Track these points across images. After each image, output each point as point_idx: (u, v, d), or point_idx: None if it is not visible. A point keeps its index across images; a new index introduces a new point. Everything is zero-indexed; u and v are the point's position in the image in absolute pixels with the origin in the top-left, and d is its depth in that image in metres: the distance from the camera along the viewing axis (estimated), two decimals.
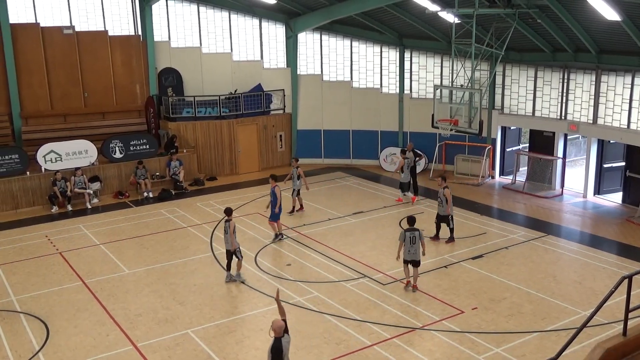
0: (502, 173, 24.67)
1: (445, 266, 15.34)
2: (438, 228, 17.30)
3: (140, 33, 25.92)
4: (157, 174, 23.49)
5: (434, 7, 20.44)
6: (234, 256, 14.53)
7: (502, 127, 24.30)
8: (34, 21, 23.89)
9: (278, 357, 8.72)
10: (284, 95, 27.26)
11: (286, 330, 8.95)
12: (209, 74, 26.98)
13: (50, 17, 24.28)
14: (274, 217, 17.42)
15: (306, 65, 27.64)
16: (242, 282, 14.52)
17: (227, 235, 14.41)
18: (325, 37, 27.19)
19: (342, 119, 27.27)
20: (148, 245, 17.37)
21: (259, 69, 27.61)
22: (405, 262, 14.01)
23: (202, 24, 26.92)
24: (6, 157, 21.26)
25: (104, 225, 19.45)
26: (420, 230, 14.08)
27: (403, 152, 22.07)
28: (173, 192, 22.82)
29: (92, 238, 18.16)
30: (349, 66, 27.15)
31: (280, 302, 9.69)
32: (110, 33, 25.35)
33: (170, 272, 15.42)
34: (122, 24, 25.75)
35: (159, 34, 26.20)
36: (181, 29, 26.69)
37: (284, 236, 17.66)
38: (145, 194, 22.51)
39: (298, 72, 27.51)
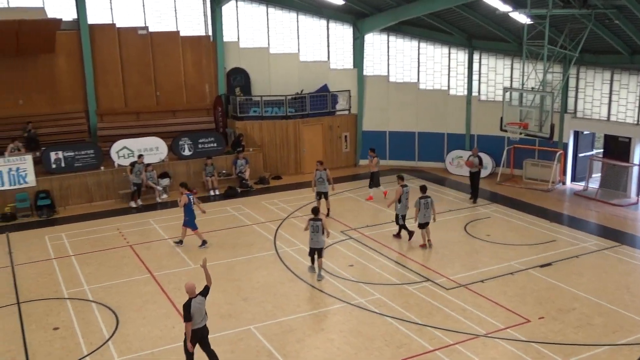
0: (573, 179, 23.85)
1: (511, 273, 14.96)
2: (403, 227, 17.45)
3: (210, 33, 26.54)
4: (224, 171, 23.97)
5: (505, 8, 19.99)
6: (316, 254, 14.80)
7: (574, 131, 23.50)
8: (111, 22, 24.85)
9: (187, 313, 10.13)
10: (350, 96, 27.28)
11: (204, 294, 10.43)
12: (276, 74, 27.33)
13: (126, 18, 25.18)
14: (193, 225, 17.19)
15: (373, 66, 27.57)
16: (320, 280, 14.71)
17: (319, 234, 14.54)
18: (392, 38, 27.04)
19: (408, 120, 27.04)
20: (213, 242, 17.72)
21: (326, 70, 27.74)
22: (421, 225, 16.54)
23: (271, 24, 27.29)
24: (82, 152, 22.19)
25: (172, 220, 19.98)
26: (431, 197, 16.72)
27: (372, 150, 22.08)
28: (239, 190, 23.24)
29: (160, 232, 18.71)
30: (416, 67, 26.89)
31: (207, 269, 10.83)
32: (182, 34, 26.07)
33: (234, 268, 15.69)
34: (193, 24, 26.43)
35: (228, 34, 26.74)
36: (250, 30, 27.15)
37: (181, 243, 17.40)
38: (212, 191, 23.01)
39: (364, 73, 27.48)
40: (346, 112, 27.35)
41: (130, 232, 18.77)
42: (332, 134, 26.94)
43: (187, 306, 10.17)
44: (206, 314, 10.52)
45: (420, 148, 27.08)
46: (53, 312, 13.39)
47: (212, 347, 10.64)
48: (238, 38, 27.07)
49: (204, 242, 17.31)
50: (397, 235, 17.64)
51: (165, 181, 22.82)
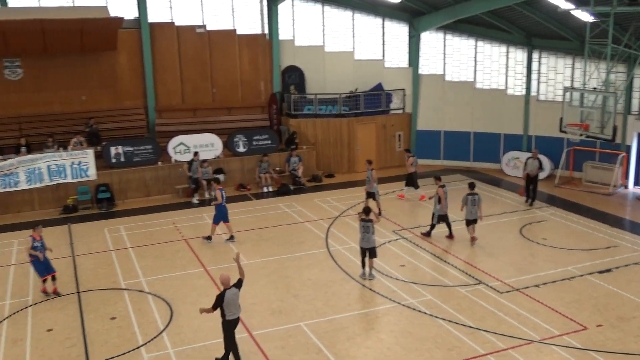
0: (636, 183, 22.93)
1: (568, 278, 14.54)
2: (432, 227, 17.63)
3: (266, 32, 26.79)
4: (277, 168, 24.18)
5: (567, 5, 19.44)
6: (367, 254, 14.66)
7: (638, 133, 22.62)
8: (170, 20, 25.39)
9: (219, 304, 10.58)
10: (404, 95, 27.08)
11: (237, 286, 10.81)
12: (331, 73, 27.38)
13: (185, 16, 25.67)
14: (216, 220, 17.55)
15: (428, 64, 27.27)
16: (370, 279, 14.63)
17: (369, 234, 14.45)
18: (449, 36, 26.67)
19: (464, 120, 26.64)
20: (266, 238, 17.92)
21: (380, 68, 27.62)
22: (468, 222, 16.74)
23: (326, 22, 27.35)
24: (141, 147, 22.79)
25: None
26: (479, 194, 16.80)
27: (408, 150, 22.93)
28: (292, 187, 23.39)
29: None
30: (472, 66, 26.44)
31: (240, 263, 11.29)
32: (239, 32, 26.42)
33: (285, 265, 15.81)
34: (250, 23, 26.74)
35: (284, 32, 26.94)
36: (305, 28, 27.28)
37: (234, 238, 17.72)
38: (265, 188, 23.24)
39: (419, 72, 27.21)
40: (400, 111, 27.16)
41: (185, 227, 19.15)
42: (386, 133, 26.79)
43: (220, 296, 10.60)
44: (239, 305, 10.87)
45: (476, 148, 26.63)
46: (110, 302, 13.81)
47: (264, 343, 10.75)
48: (293, 36, 27.24)
49: (209, 238, 17.62)
50: (450, 236, 17.45)
51: (220, 177, 23.14)
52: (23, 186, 20.57)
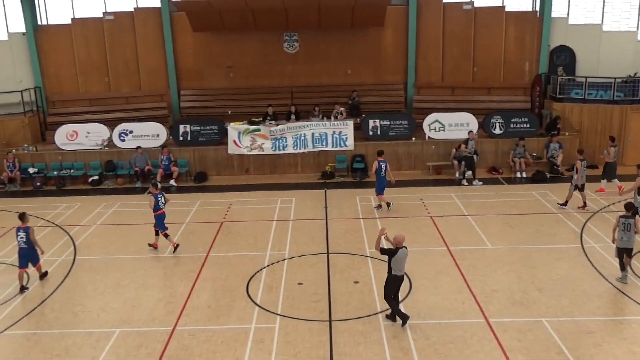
0: None
1: None
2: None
3: (537, 9, 25.35)
4: (534, 154, 22.94)
5: None
6: (625, 255, 13.39)
7: None
8: None
9: (390, 254, 11.45)
10: None
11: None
12: (607, 54, 25.04)
13: None
14: (378, 190, 18.67)
15: None
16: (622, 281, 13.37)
17: (630, 232, 13.21)
18: None
19: None
20: (514, 225, 17.20)
21: None
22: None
23: None
24: (397, 122, 23.41)
25: (473, 197, 19.95)
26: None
27: (612, 138, 20.46)
28: (548, 175, 22.05)
29: (461, 208, 18.83)
30: None
31: (381, 239, 12.04)
32: (508, 9, 25.42)
33: (532, 255, 15.03)
34: None
35: (557, 9, 25.23)
36: (582, 5, 25.21)
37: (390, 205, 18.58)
38: (518, 173, 22.25)
39: None
40: None
41: (432, 204, 19.27)
42: None
43: (394, 251, 11.46)
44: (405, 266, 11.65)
45: None
46: (355, 266, 14.58)
47: (500, 332, 10.37)
48: (568, 14, 25.37)
49: (379, 206, 18.80)
50: None
51: (474, 158, 22.70)
52: (290, 150, 22.82)
